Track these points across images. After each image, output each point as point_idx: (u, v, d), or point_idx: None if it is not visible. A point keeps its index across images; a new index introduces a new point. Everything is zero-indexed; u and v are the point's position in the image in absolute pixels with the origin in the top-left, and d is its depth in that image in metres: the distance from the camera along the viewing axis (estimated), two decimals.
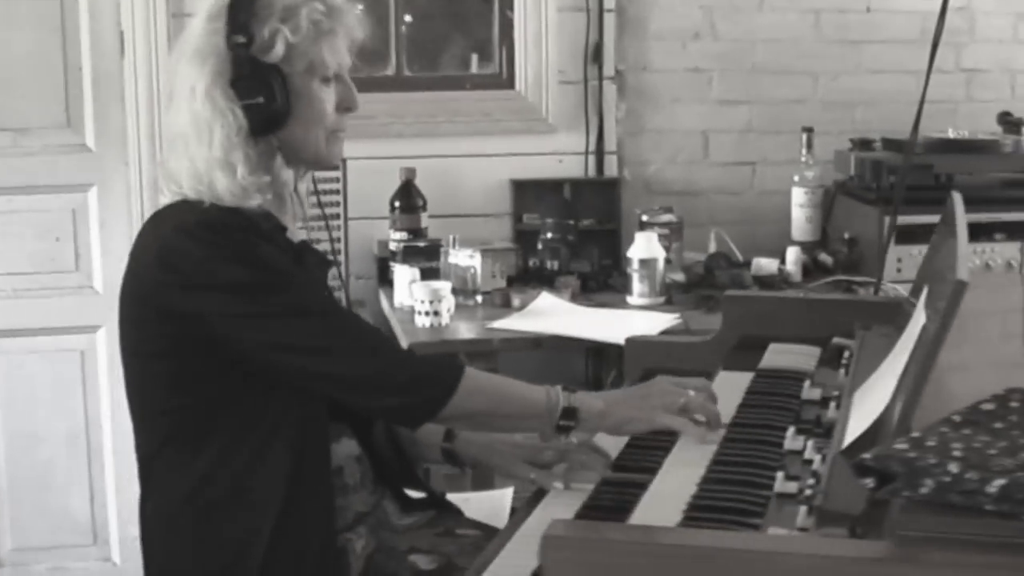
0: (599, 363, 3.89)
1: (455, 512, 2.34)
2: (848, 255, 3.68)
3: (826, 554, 1.37)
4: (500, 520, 2.47)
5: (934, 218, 3.56)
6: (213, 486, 1.98)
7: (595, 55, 3.86)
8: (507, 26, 3.82)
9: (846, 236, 3.70)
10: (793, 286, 3.60)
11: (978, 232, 3.58)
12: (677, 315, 3.26)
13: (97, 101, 3.64)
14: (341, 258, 3.54)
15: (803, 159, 3.85)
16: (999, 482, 1.32)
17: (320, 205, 2.24)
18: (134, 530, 3.75)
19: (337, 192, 3.57)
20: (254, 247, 1.96)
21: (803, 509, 1.62)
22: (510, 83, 3.85)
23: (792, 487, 1.74)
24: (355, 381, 1.96)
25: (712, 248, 3.77)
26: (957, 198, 2.25)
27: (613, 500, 1.97)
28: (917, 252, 3.59)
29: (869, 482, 1.41)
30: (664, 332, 3.10)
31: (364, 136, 3.52)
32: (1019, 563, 1.31)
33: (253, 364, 1.95)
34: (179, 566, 2.02)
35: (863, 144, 3.81)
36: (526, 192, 3.84)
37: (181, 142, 2.00)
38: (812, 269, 3.73)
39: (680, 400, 2.06)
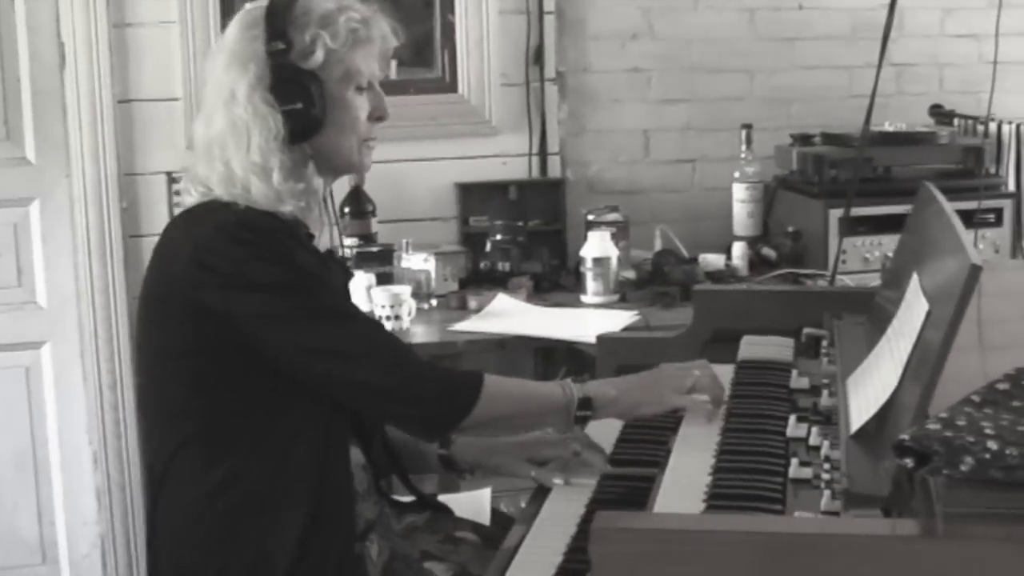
0: (547, 364, 3.92)
1: (446, 512, 2.36)
2: (793, 248, 3.74)
3: (879, 534, 1.41)
4: (483, 519, 2.50)
5: (875, 210, 3.69)
6: (234, 489, 1.98)
7: (536, 57, 3.88)
8: (448, 30, 3.83)
9: (790, 229, 3.77)
10: (740, 280, 3.66)
11: None
12: (635, 312, 3.30)
13: (37, 114, 3.58)
14: None
15: (743, 155, 3.91)
16: None
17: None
18: (84, 548, 3.74)
19: None
20: (291, 250, 1.98)
21: (827, 493, 1.66)
22: (453, 87, 3.85)
23: (807, 472, 1.79)
24: (379, 390, 1.97)
25: (658, 245, 3.81)
26: (931, 188, 2.31)
27: (620, 494, 2.01)
28: (860, 243, 3.68)
29: (908, 462, 1.44)
30: (626, 328, 3.14)
31: None
32: None
33: (280, 365, 1.96)
34: (197, 571, 2.01)
35: (803, 139, 3.88)
36: (472, 195, 3.85)
37: (217, 147, 2.01)
38: (756, 263, 3.79)
39: (687, 382, 2.11)
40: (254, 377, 1.98)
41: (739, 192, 3.92)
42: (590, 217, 3.78)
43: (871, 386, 1.89)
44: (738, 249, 3.74)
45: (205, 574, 2.00)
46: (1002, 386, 1.61)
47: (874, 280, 3.49)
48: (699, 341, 2.63)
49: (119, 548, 3.77)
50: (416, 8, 3.85)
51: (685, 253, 3.78)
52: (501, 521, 2.43)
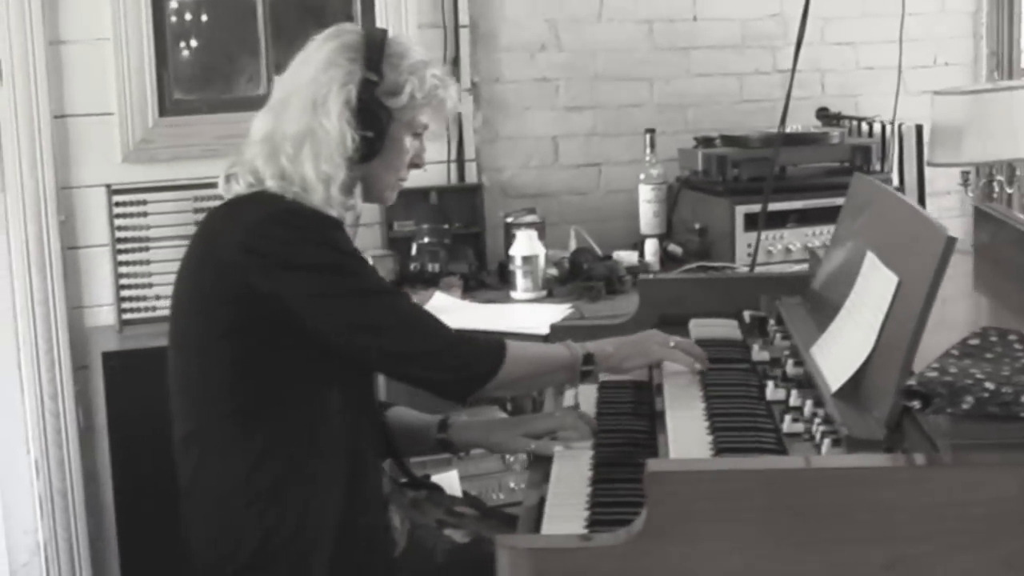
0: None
1: (438, 490, 2.54)
2: (700, 244, 4.00)
3: (900, 465, 1.65)
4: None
5: (776, 206, 3.94)
6: (274, 460, 2.14)
7: (452, 69, 4.07)
8: None
9: (696, 226, 4.02)
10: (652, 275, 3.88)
11: (811, 217, 3.95)
12: (568, 305, 3.51)
13: None
14: None
15: (647, 158, 4.15)
16: None
17: None
18: (23, 557, 3.81)
19: None
20: (336, 235, 2.17)
21: (827, 442, 1.89)
22: None
23: (799, 427, 2.02)
24: (417, 358, 2.18)
25: (573, 245, 4.03)
26: (866, 179, 2.57)
27: (618, 454, 2.22)
28: (764, 237, 3.94)
29: (916, 404, 1.69)
30: (564, 320, 3.35)
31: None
32: None
33: (326, 340, 2.13)
34: (239, 539, 2.15)
35: (706, 142, 4.14)
36: (395, 200, 4.00)
37: (290, 145, 2.18)
38: (664, 259, 4.03)
39: (670, 342, 2.37)
40: (294, 354, 2.14)
41: (645, 193, 4.15)
42: (508, 219, 3.99)
43: (840, 353, 2.13)
44: (650, 246, 3.98)
45: (248, 542, 2.14)
46: (973, 341, 1.87)
47: (779, 268, 3.76)
48: (646, 327, 2.85)
49: (62, 555, 3.84)
50: (337, 21, 4.00)
51: (599, 251, 4.01)
52: (472, 501, 2.62)
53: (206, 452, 2.20)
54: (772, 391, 2.21)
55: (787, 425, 2.02)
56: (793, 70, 3.38)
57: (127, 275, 3.68)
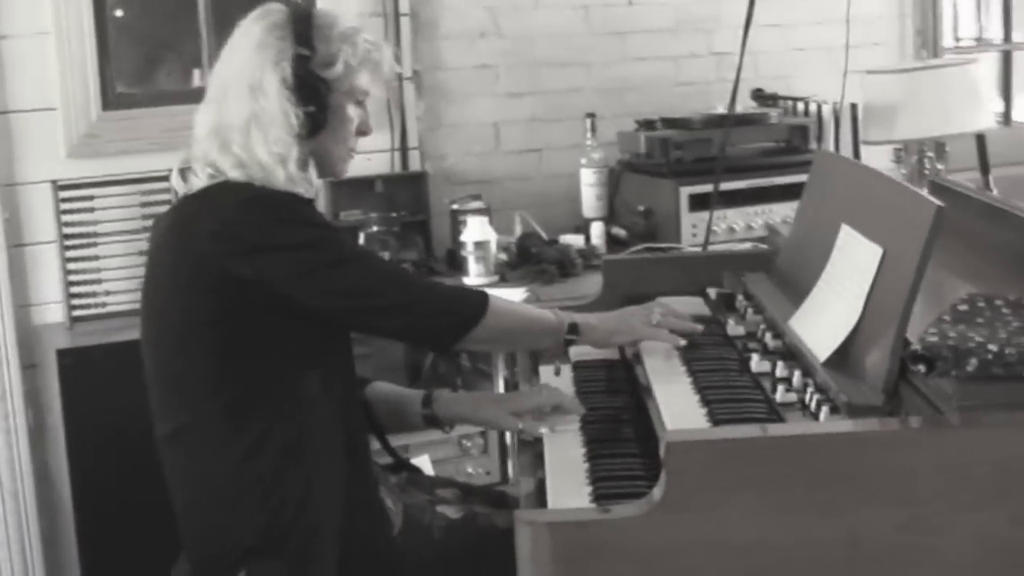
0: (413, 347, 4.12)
1: (419, 472, 2.56)
2: (645, 225, 4.04)
3: (914, 428, 1.71)
4: None
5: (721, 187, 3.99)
6: (266, 451, 2.14)
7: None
8: None
9: (640, 208, 4.06)
10: (599, 257, 3.92)
11: (753, 196, 4.02)
12: (524, 289, 3.54)
13: None
14: None
15: (588, 142, 4.18)
16: None
17: None
18: None
19: (170, 203, 3.64)
20: (306, 209, 2.21)
21: (825, 410, 1.94)
22: None
23: (792, 397, 2.07)
24: (400, 309, 2.21)
25: (518, 230, 4.05)
26: (832, 154, 2.63)
27: (607, 433, 2.26)
28: (708, 217, 3.99)
29: (921, 368, 1.74)
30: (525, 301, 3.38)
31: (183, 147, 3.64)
32: None
33: (311, 312, 2.15)
34: (244, 531, 2.15)
35: (648, 124, 4.19)
36: (341, 190, 4.01)
37: (237, 133, 2.18)
38: (610, 242, 4.07)
39: (654, 317, 2.41)
40: (276, 337, 2.15)
41: (587, 176, 4.18)
42: (454, 206, 4.01)
43: (823, 323, 2.19)
44: (596, 229, 4.02)
45: (252, 527, 2.14)
46: (963, 308, 1.93)
47: (726, 247, 3.83)
48: (612, 306, 2.88)
49: (14, 555, 3.79)
50: None
51: (544, 235, 4.04)
52: (452, 482, 2.64)
53: (197, 446, 2.19)
54: (757, 363, 2.26)
55: (780, 395, 2.07)
56: (742, 52, 3.46)
57: (76, 271, 3.64)
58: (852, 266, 2.18)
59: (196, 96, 3.76)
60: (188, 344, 2.17)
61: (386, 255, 3.84)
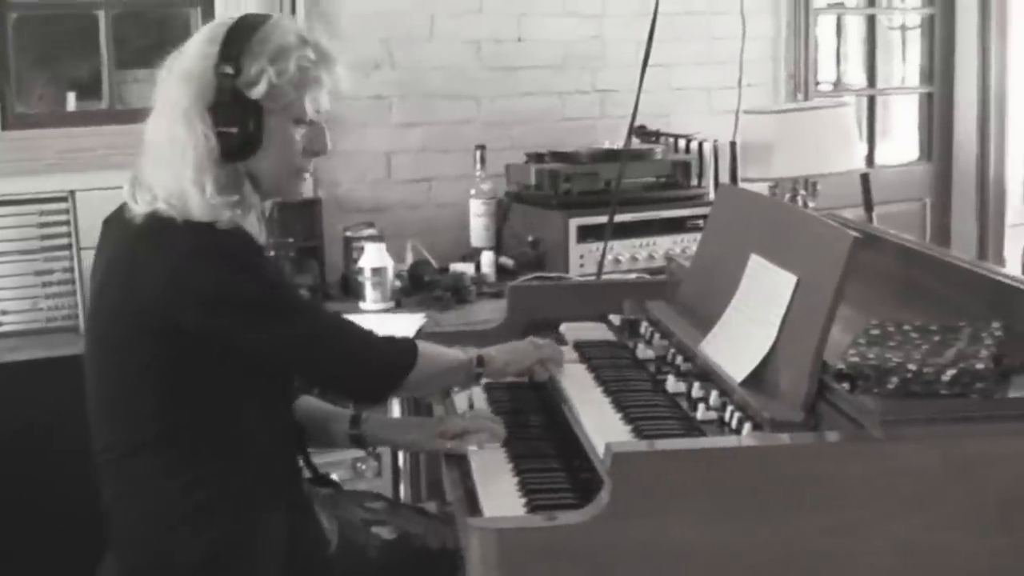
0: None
1: (338, 487, 2.62)
2: (534, 255, 4.15)
3: (841, 441, 1.83)
4: None
5: (603, 219, 4.12)
6: (203, 488, 2.16)
7: None
8: None
9: (529, 239, 4.17)
10: (492, 286, 4.02)
11: (639, 229, 4.16)
12: (423, 315, 3.62)
13: None
14: (77, 287, 3.63)
15: (478, 174, 4.28)
16: (951, 372, 1.83)
17: None
18: None
19: (67, 223, 3.64)
20: (259, 263, 2.17)
21: (747, 426, 2.06)
22: None
23: (712, 415, 2.18)
24: (347, 362, 2.26)
25: (410, 257, 4.13)
26: (736, 188, 2.77)
27: (530, 448, 2.35)
28: (595, 248, 4.10)
29: (845, 386, 1.87)
30: (420, 328, 3.45)
31: (90, 168, 3.65)
32: (972, 430, 1.82)
33: (260, 361, 2.16)
34: (182, 561, 2.16)
35: (537, 157, 4.30)
36: None
37: (163, 153, 2.14)
38: (498, 271, 4.16)
39: (541, 351, 2.54)
40: (218, 377, 2.15)
41: (476, 207, 4.28)
42: (348, 233, 4.07)
43: (737, 347, 2.31)
44: (486, 258, 4.12)
45: (190, 557, 2.15)
46: (875, 332, 2.07)
47: (613, 277, 3.95)
48: (517, 331, 2.99)
49: None
50: (180, 38, 4.01)
51: (435, 263, 4.12)
52: (378, 496, 2.68)
53: (134, 474, 2.19)
54: (673, 384, 2.37)
55: (700, 413, 2.18)
56: (639, 89, 3.61)
57: None
58: (764, 294, 2.30)
59: (96, 118, 3.86)
60: (130, 375, 2.16)
61: None
